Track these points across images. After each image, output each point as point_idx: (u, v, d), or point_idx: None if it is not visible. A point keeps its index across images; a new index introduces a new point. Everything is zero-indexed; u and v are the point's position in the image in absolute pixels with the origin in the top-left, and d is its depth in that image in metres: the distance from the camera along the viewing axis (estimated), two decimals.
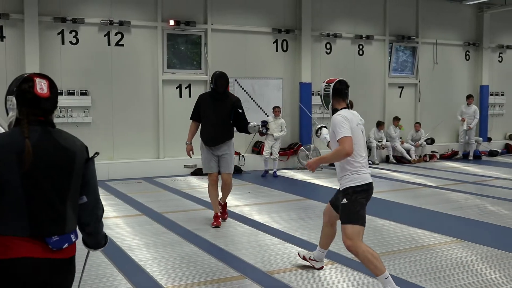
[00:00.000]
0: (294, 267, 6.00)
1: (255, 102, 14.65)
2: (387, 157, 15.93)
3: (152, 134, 13.62)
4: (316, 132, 5.82)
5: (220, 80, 7.75)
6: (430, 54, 17.39)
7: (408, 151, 16.07)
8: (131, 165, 13.21)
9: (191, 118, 8.05)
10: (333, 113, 4.99)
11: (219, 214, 8.07)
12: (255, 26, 14.58)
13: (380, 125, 15.81)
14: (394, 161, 15.80)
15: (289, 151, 14.83)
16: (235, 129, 7.96)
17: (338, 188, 5.06)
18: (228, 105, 7.75)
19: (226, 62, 13.99)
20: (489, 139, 18.36)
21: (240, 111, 7.75)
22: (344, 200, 4.81)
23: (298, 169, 14.36)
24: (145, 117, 13.55)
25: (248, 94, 14.53)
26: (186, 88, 13.92)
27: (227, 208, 8.53)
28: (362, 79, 15.97)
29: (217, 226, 7.83)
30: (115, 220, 8.53)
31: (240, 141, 14.35)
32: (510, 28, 19.08)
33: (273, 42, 14.87)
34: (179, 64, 14.09)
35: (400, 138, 16.26)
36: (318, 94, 14.65)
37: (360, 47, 16.12)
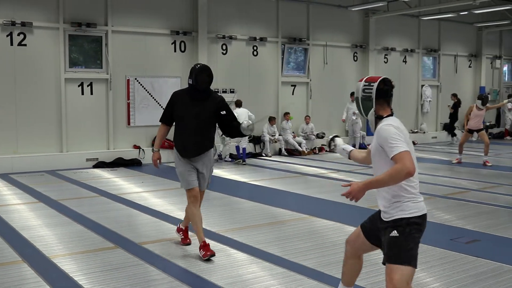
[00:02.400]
0: (163, 239, 7.15)
1: (155, 100, 15.64)
2: (280, 150, 17.31)
3: (55, 129, 14.33)
4: (329, 145, 4.86)
5: (201, 75, 6.15)
6: (321, 55, 18.91)
7: (299, 144, 17.51)
8: (34, 158, 13.91)
9: (161, 121, 6.48)
10: (376, 122, 4.00)
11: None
12: (154, 28, 15.57)
13: (271, 120, 17.15)
14: (286, 154, 17.20)
15: None
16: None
17: (378, 214, 4.07)
18: (211, 106, 6.22)
19: (127, 61, 15.03)
20: None
21: (225, 112, 6.28)
22: (395, 233, 3.82)
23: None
24: (48, 113, 14.25)
25: (148, 92, 15.51)
26: (88, 86, 14.73)
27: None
28: (256, 78, 17.31)
29: (212, 255, 6.16)
30: (15, 207, 9.39)
31: (140, 134, 15.39)
32: (393, 32, 20.93)
33: (172, 43, 15.91)
34: (81, 63, 14.90)
35: (293, 132, 17.69)
36: (216, 91, 16.25)
37: (255, 48, 17.40)
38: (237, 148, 15.55)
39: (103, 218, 8.38)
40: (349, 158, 4.67)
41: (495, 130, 24.25)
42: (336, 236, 7.30)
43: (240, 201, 10.03)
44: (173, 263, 6.12)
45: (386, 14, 19.59)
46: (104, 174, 13.33)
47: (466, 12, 19.72)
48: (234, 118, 6.41)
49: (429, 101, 22.23)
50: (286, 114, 17.50)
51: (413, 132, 21.61)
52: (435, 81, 22.87)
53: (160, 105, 15.67)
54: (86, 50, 15.08)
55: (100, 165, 14.43)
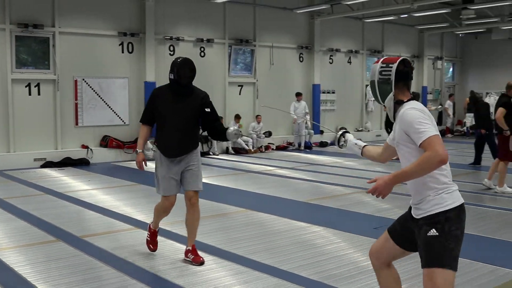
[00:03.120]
0: (104, 232, 7.49)
1: (103, 100, 15.86)
2: (227, 148, 17.73)
3: (2, 129, 14.40)
4: (339, 142, 4.32)
5: (183, 69, 5.77)
6: (267, 56, 19.41)
7: (246, 143, 17.97)
8: None
9: (141, 121, 6.16)
10: (396, 108, 3.60)
11: (157, 230, 6.46)
12: (102, 30, 15.79)
13: (236, 118, 17.58)
14: (233, 152, 17.64)
15: (134, 144, 16.17)
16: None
17: (407, 214, 3.69)
18: (195, 103, 5.91)
19: (74, 62, 15.23)
20: (321, 132, 20.72)
21: (209, 110, 5.94)
22: (433, 232, 3.34)
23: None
24: None
25: (96, 93, 15.71)
26: (35, 87, 14.86)
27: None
28: (204, 79, 17.56)
29: (153, 250, 6.37)
30: None
31: (88, 134, 15.60)
32: (338, 33, 21.60)
33: (119, 44, 16.16)
34: (30, 64, 15.02)
35: (240, 131, 18.10)
36: None
37: (202, 49, 17.78)
38: None
39: (47, 215, 8.65)
40: (362, 155, 4.14)
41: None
42: (272, 226, 7.78)
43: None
44: (111, 254, 6.47)
45: (331, 17, 20.23)
46: (51, 173, 13.51)
47: (406, 15, 20.51)
48: (217, 117, 6.08)
49: (373, 100, 22.94)
50: (237, 117, 17.86)
51: (358, 131, 22.33)
52: None
53: (108, 105, 15.91)
54: (34, 51, 15.20)
55: (48, 164, 14.59)
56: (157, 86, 16.24)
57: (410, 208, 3.62)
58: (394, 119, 3.59)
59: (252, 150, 17.90)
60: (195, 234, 6.11)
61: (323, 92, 21.09)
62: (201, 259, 6.00)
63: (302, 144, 19.03)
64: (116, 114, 16.13)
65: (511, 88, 10.40)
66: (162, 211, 6.13)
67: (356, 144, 4.17)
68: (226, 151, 17.71)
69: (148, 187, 11.12)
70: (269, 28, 19.35)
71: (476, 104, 13.39)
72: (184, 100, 5.87)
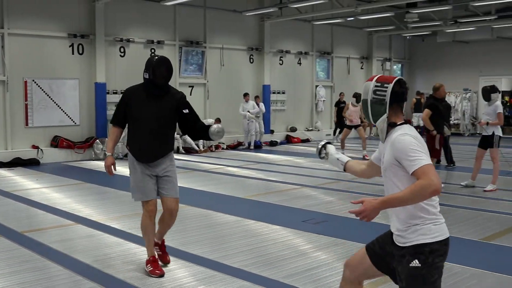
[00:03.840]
0: (44, 228, 7.84)
1: (53, 101, 16.04)
2: (178, 148, 18.09)
3: None
4: (320, 153, 4.16)
5: (159, 68, 5.47)
6: (217, 57, 19.84)
7: (197, 143, 18.36)
8: None
9: (112, 122, 5.76)
10: (388, 130, 3.43)
11: (157, 256, 5.91)
12: (52, 31, 15.96)
13: None
14: (183, 152, 18.02)
15: (85, 144, 16.43)
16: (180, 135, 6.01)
17: (387, 237, 3.54)
18: (171, 104, 5.59)
19: (24, 63, 15.40)
20: (272, 131, 21.24)
21: (187, 111, 5.64)
22: (416, 263, 3.26)
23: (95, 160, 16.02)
24: None
25: (46, 93, 15.89)
26: None
27: None
28: None
29: (161, 275, 5.61)
30: None
31: (38, 135, 15.78)
32: (288, 35, 22.16)
33: (69, 46, 16.36)
34: None
35: None
36: (114, 92, 16.92)
37: (152, 51, 18.08)
38: None
39: None
40: (344, 171, 4.02)
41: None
42: (202, 220, 8.23)
43: (127, 195, 10.76)
44: (50, 247, 6.81)
45: (280, 19, 20.76)
46: (0, 173, 13.68)
47: (352, 18, 21.18)
48: (197, 117, 5.77)
49: (323, 100, 23.62)
50: None
51: (308, 130, 22.94)
52: (329, 82, 24.31)
53: (58, 106, 16.10)
54: None
55: None
56: (107, 87, 16.72)
57: (390, 231, 3.48)
58: (383, 140, 3.46)
59: (202, 150, 18.31)
60: (165, 231, 5.92)
61: (273, 93, 21.61)
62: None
63: (252, 143, 19.51)
64: (67, 114, 16.33)
65: (437, 90, 11.00)
66: (148, 221, 5.61)
67: (338, 159, 4.02)
68: (177, 151, 18.05)
69: (95, 185, 11.48)
70: (219, 30, 19.77)
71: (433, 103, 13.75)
72: (159, 101, 5.52)
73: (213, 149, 18.75)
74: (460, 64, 26.36)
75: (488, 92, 10.50)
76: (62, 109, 16.19)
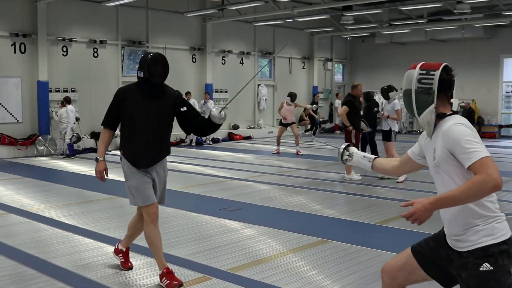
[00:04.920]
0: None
1: None
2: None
3: None
4: (342, 156, 3.83)
5: (155, 66, 5.10)
6: None
7: None
8: None
9: (103, 124, 5.32)
10: (436, 122, 3.13)
11: (130, 263, 5.83)
12: None
13: None
14: None
15: (27, 141, 16.82)
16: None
17: (440, 241, 3.24)
18: (168, 104, 5.24)
19: None
20: None
21: (185, 109, 5.28)
22: (487, 266, 2.93)
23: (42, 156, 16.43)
24: None
25: None
26: None
27: None
28: (98, 79, 18.53)
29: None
30: None
31: None
32: (230, 36, 22.90)
33: (11, 45, 16.74)
34: None
35: None
36: (57, 91, 17.36)
37: (95, 50, 18.57)
38: (69, 145, 16.50)
39: None
40: (372, 169, 3.71)
41: (328, 125, 27.01)
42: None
43: (61, 187, 11.35)
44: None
45: (222, 20, 21.48)
46: None
47: (290, 20, 22.04)
48: (197, 113, 5.42)
49: (265, 99, 24.43)
50: None
51: (250, 128, 23.72)
52: (271, 81, 25.16)
53: (1, 104, 16.45)
54: None
55: None
56: (50, 85, 17.13)
57: (442, 233, 3.23)
58: (431, 135, 3.16)
59: None
60: (161, 251, 5.27)
61: (216, 91, 22.31)
62: (179, 281, 5.20)
63: (194, 140, 20.18)
64: (9, 112, 16.68)
65: (355, 88, 11.94)
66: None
67: (364, 157, 3.74)
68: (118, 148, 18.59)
69: (35, 180, 12.01)
70: (162, 31, 20.36)
71: (368, 103, 14.41)
72: (156, 101, 5.15)
73: None
74: (398, 64, 27.38)
75: (386, 92, 11.63)
76: (4, 107, 16.55)
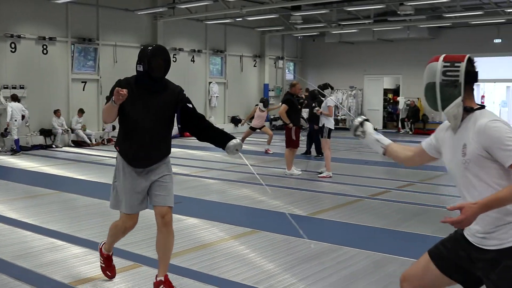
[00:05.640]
0: None
1: None
2: (73, 141, 18.80)
3: None
4: (356, 130, 3.66)
5: (156, 59, 4.66)
6: (111, 54, 20.57)
7: (89, 137, 19.09)
8: None
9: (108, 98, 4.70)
10: (463, 117, 3.04)
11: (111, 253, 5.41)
12: None
13: (56, 112, 18.43)
14: (73, 145, 18.73)
15: None
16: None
17: (458, 240, 3.14)
18: (170, 100, 4.82)
19: None
20: None
21: (191, 106, 4.89)
22: None
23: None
24: None
25: None
26: None
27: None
28: (47, 75, 18.59)
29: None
30: None
31: None
32: (181, 34, 23.19)
33: None
34: None
35: (83, 125, 19.18)
36: (5, 87, 17.37)
37: (44, 47, 18.62)
38: (16, 141, 16.54)
39: None
40: (384, 154, 3.58)
41: (279, 122, 27.50)
42: (67, 204, 9.18)
43: (6, 183, 11.53)
44: None
45: (172, 18, 21.74)
46: None
47: (240, 19, 22.45)
48: (202, 116, 5.02)
49: (216, 96, 24.79)
50: (80, 111, 18.88)
51: None
52: (222, 79, 25.53)
53: None
54: None
55: None
56: None
57: (460, 233, 3.14)
58: (457, 129, 3.06)
59: (94, 143, 19.04)
60: (168, 261, 4.96)
61: None
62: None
63: None
64: None
65: (293, 86, 12.40)
66: (121, 232, 5.04)
67: (378, 140, 3.57)
68: (68, 144, 18.72)
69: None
70: (112, 28, 20.50)
71: (314, 101, 14.85)
72: (157, 98, 4.74)
73: (105, 143, 19.51)
74: (347, 63, 28.23)
75: (322, 89, 12.17)
76: None
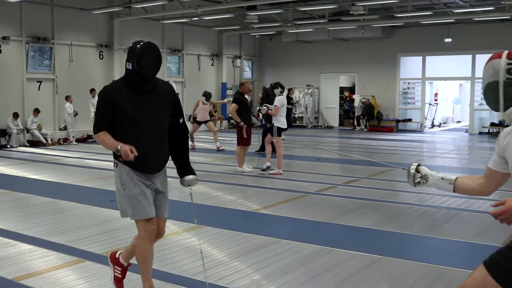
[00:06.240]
0: None
1: None
2: (28, 141, 18.76)
3: None
4: (414, 179, 3.39)
5: (146, 56, 4.35)
6: (67, 53, 20.55)
7: (45, 136, 19.06)
8: None
9: (98, 128, 4.45)
10: None
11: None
12: None
13: (15, 115, 18.41)
14: (28, 145, 18.70)
15: None
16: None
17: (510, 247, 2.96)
18: (163, 99, 4.58)
19: None
20: None
21: (182, 120, 4.76)
22: None
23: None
24: None
25: None
26: None
27: None
28: (1, 75, 18.51)
29: None
30: None
31: None
32: (139, 33, 23.11)
33: None
34: None
35: (39, 124, 19.14)
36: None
37: None
38: None
39: None
40: (454, 191, 3.28)
41: None
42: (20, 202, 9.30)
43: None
44: None
45: (129, 17, 21.82)
46: None
47: (196, 18, 22.65)
48: (186, 136, 4.88)
49: None
50: (36, 111, 18.83)
51: None
52: (180, 78, 25.69)
53: None
54: None
55: None
56: None
57: None
58: None
59: (50, 143, 19.03)
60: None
61: None
62: None
63: None
64: None
65: (242, 85, 12.71)
66: (148, 245, 4.60)
67: (443, 178, 3.30)
68: (23, 144, 18.68)
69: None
70: (68, 27, 20.48)
71: (267, 99, 15.03)
72: (150, 97, 4.49)
73: (61, 142, 19.51)
74: (304, 62, 28.67)
75: (272, 88, 12.44)
76: None
